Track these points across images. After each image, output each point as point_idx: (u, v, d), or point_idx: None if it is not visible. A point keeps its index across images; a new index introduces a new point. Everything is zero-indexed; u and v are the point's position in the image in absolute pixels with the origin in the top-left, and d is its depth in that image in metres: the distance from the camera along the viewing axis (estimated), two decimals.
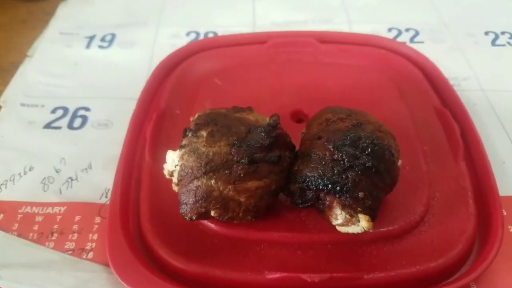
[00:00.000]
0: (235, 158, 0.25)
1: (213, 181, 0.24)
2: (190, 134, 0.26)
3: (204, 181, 0.24)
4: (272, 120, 0.27)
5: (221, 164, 0.24)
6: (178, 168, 0.25)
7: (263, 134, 0.25)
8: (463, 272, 0.27)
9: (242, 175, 0.24)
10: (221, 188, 0.24)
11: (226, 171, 0.24)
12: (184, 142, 0.26)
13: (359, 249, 0.27)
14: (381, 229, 0.27)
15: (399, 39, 0.47)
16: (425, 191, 0.30)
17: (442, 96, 0.37)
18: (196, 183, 0.24)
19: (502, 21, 0.49)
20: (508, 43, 0.46)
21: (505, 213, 0.30)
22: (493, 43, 0.46)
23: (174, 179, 0.26)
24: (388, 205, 0.29)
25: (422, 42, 0.46)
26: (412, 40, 0.47)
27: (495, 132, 0.36)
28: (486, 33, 0.48)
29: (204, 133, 0.25)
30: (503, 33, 0.47)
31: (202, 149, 0.25)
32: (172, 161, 0.26)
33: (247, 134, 0.26)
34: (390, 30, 0.48)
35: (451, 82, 0.39)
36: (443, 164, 0.32)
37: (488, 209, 0.29)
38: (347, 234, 0.26)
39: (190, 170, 0.25)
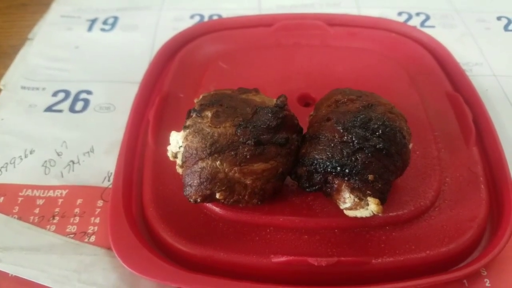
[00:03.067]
0: (241, 139, 0.24)
1: (218, 163, 0.24)
2: (194, 115, 0.25)
3: (209, 162, 0.24)
4: (280, 101, 0.26)
5: (226, 145, 0.24)
6: (182, 149, 0.25)
7: (270, 115, 0.25)
8: (473, 258, 0.26)
9: (248, 156, 0.24)
10: (226, 169, 0.24)
11: (232, 153, 0.24)
12: (188, 122, 0.25)
13: (367, 234, 0.26)
14: (390, 214, 0.27)
15: (410, 24, 0.45)
16: (436, 176, 0.29)
17: (454, 81, 0.36)
18: (200, 164, 0.24)
19: None
20: None
21: None
22: (506, 28, 0.45)
23: (178, 161, 0.25)
24: (398, 190, 0.28)
25: (433, 27, 0.45)
26: (422, 24, 0.45)
27: (507, 118, 0.35)
28: (499, 18, 0.46)
29: (209, 114, 0.25)
30: None
31: (207, 129, 0.24)
32: (176, 142, 0.25)
33: (253, 115, 0.25)
34: (400, 14, 0.47)
35: (463, 67, 0.38)
36: (454, 150, 0.31)
37: (500, 195, 0.29)
38: (355, 218, 0.25)
39: (194, 151, 0.24)
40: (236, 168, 0.24)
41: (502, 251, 0.26)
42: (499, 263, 0.26)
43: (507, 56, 0.42)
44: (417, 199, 0.28)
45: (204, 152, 0.24)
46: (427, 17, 0.46)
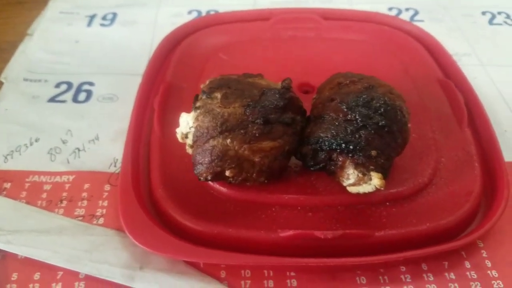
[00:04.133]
0: (250, 119, 0.25)
1: (228, 141, 0.25)
2: (204, 96, 0.26)
3: (220, 140, 0.24)
4: (285, 83, 0.27)
5: (236, 124, 0.25)
6: (193, 129, 0.25)
7: (277, 95, 0.26)
8: (470, 230, 0.27)
9: (257, 135, 0.25)
10: (236, 147, 0.25)
11: (242, 131, 0.25)
12: (198, 103, 0.26)
13: (368, 210, 0.27)
14: (391, 191, 0.28)
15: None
16: (432, 156, 0.30)
17: (445, 68, 0.38)
18: (212, 142, 0.25)
19: (498, 2, 0.50)
20: (505, 22, 0.47)
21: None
22: (490, 22, 0.48)
23: (189, 141, 0.26)
24: (397, 168, 0.29)
25: (422, 21, 0.47)
26: (412, 19, 0.48)
27: (496, 102, 0.37)
28: (483, 13, 0.49)
29: (218, 95, 0.26)
30: (499, 13, 0.49)
31: (217, 109, 0.25)
32: (187, 123, 0.26)
33: (261, 97, 0.26)
34: (390, 9, 0.49)
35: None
36: (449, 132, 0.32)
37: (493, 172, 0.30)
38: (357, 195, 0.26)
39: (205, 130, 0.25)
40: (245, 146, 0.25)
41: (496, 223, 0.27)
42: (495, 235, 0.28)
43: (492, 47, 0.44)
44: (415, 176, 0.29)
45: (215, 130, 0.24)
46: (416, 12, 0.48)
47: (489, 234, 0.27)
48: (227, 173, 0.25)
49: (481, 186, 0.29)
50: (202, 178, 0.25)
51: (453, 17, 0.48)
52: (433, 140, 0.32)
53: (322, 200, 0.28)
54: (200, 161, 0.25)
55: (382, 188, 0.25)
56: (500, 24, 0.47)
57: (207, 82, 0.28)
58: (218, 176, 0.25)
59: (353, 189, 0.26)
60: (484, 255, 0.27)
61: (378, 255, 0.25)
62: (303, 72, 0.37)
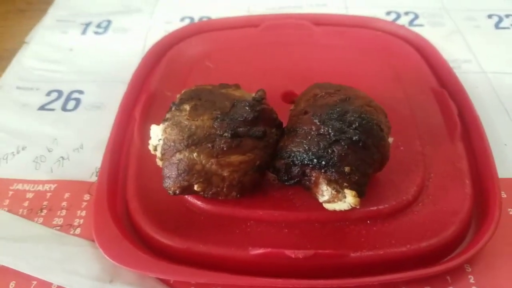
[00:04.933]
0: (218, 132, 0.24)
1: (195, 154, 0.24)
2: (173, 108, 0.25)
3: (187, 154, 0.24)
4: (258, 94, 0.26)
5: (203, 137, 0.24)
6: (161, 142, 0.25)
7: (247, 108, 0.25)
8: (457, 253, 0.26)
9: (225, 148, 0.24)
10: (203, 161, 0.24)
11: (209, 145, 0.24)
12: (167, 116, 0.25)
13: (347, 228, 0.26)
14: (371, 208, 0.27)
15: (398, 23, 0.45)
16: (419, 172, 0.29)
17: (440, 76, 0.36)
18: (178, 156, 0.24)
19: (506, 5, 0.48)
20: None
21: (505, 196, 0.29)
22: (497, 26, 0.45)
23: (158, 153, 0.26)
24: (380, 185, 0.28)
25: (421, 25, 0.45)
26: (411, 23, 0.46)
27: (497, 114, 0.35)
28: (489, 16, 0.46)
29: (187, 107, 0.25)
30: (507, 16, 0.46)
31: (185, 122, 0.24)
32: (156, 135, 0.26)
33: (231, 109, 0.25)
34: (388, 13, 0.47)
35: (451, 64, 0.38)
36: (439, 145, 0.31)
37: (485, 190, 0.28)
38: (335, 212, 0.25)
39: (172, 143, 0.24)
40: (213, 160, 0.24)
41: (486, 246, 0.25)
42: (484, 259, 0.26)
43: (498, 52, 0.41)
44: (399, 193, 0.27)
45: (182, 144, 0.24)
46: (416, 16, 0.47)
47: (477, 257, 0.26)
48: (195, 187, 0.24)
49: (471, 205, 0.27)
50: (170, 192, 0.25)
51: (455, 21, 0.46)
52: (421, 155, 0.30)
53: (299, 216, 0.27)
54: (168, 175, 0.24)
55: (357, 207, 0.24)
56: (508, 28, 0.45)
57: (182, 92, 0.28)
58: (187, 191, 0.25)
59: (329, 206, 0.25)
60: (472, 280, 0.25)
61: (354, 277, 0.24)
62: (290, 81, 0.36)
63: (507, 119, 0.35)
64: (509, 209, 0.29)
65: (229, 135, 0.24)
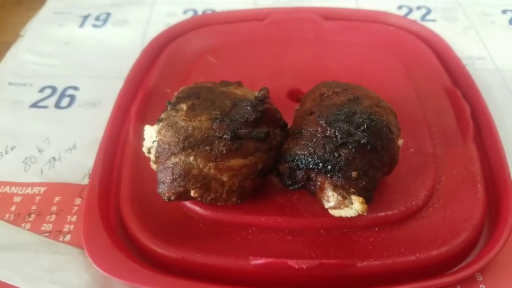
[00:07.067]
0: (217, 133, 0.23)
1: (192, 158, 0.22)
2: (169, 108, 0.24)
3: (182, 157, 0.22)
4: (261, 93, 0.25)
5: (201, 139, 0.22)
6: (155, 144, 0.23)
7: (249, 108, 0.23)
8: (468, 261, 0.24)
9: (224, 151, 0.22)
10: (201, 165, 0.22)
11: (207, 147, 0.22)
12: (162, 115, 0.24)
13: (353, 235, 0.25)
14: (379, 214, 0.25)
15: (410, 17, 0.43)
16: (430, 175, 0.27)
17: (453, 75, 0.34)
18: (173, 159, 0.22)
19: None
20: None
21: None
22: (511, 22, 0.43)
23: (152, 156, 0.24)
24: (388, 188, 0.26)
25: (434, 21, 0.43)
26: (423, 18, 0.44)
27: (510, 113, 0.33)
28: (504, 11, 0.44)
29: (184, 107, 0.23)
30: None
31: (181, 123, 0.23)
32: (150, 136, 0.24)
33: (232, 108, 0.23)
34: (400, 8, 0.45)
35: (464, 62, 0.36)
36: (451, 147, 0.29)
37: (498, 195, 0.27)
38: (341, 218, 0.24)
39: (167, 146, 0.23)
40: (211, 164, 0.22)
41: (498, 254, 0.24)
42: (496, 268, 0.24)
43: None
44: (408, 198, 0.26)
45: (177, 146, 0.22)
46: (428, 11, 0.44)
47: (489, 266, 0.24)
48: (192, 193, 0.23)
49: (483, 211, 0.26)
50: (165, 198, 0.23)
51: (469, 16, 0.43)
52: (432, 156, 0.28)
53: (303, 222, 0.25)
54: (162, 180, 0.23)
55: (364, 213, 0.23)
56: None
57: (180, 90, 0.26)
58: (183, 197, 0.23)
59: (335, 212, 0.24)
60: None
61: None
62: (297, 78, 0.34)
63: None
64: None
65: (229, 137, 0.22)
